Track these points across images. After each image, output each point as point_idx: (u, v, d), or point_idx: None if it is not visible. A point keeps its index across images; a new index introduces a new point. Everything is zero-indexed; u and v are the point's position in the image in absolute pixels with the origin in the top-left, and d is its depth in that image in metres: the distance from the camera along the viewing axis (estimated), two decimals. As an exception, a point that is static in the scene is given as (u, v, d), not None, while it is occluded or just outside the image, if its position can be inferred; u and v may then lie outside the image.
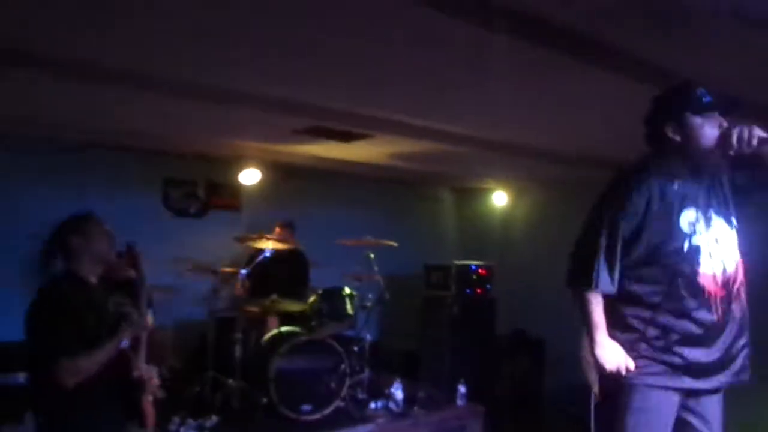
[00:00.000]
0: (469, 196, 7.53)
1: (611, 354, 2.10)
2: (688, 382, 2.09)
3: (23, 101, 3.68)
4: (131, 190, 5.30)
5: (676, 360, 2.08)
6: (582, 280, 2.13)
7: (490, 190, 7.10)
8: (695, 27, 2.25)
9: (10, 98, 3.57)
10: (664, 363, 2.08)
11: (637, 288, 2.12)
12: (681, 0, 2.07)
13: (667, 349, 2.08)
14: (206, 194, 5.79)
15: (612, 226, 2.09)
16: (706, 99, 2.05)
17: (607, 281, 2.10)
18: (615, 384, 2.12)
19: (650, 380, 2.08)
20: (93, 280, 2.35)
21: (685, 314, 2.08)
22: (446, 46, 2.57)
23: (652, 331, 2.10)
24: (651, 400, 2.11)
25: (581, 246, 2.20)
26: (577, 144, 4.56)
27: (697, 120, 2.05)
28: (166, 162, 5.52)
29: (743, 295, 2.16)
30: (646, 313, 2.11)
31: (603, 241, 2.09)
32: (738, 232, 2.20)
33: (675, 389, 2.10)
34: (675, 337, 2.08)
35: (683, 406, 2.16)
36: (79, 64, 2.95)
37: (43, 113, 4.04)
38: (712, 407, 2.20)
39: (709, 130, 2.04)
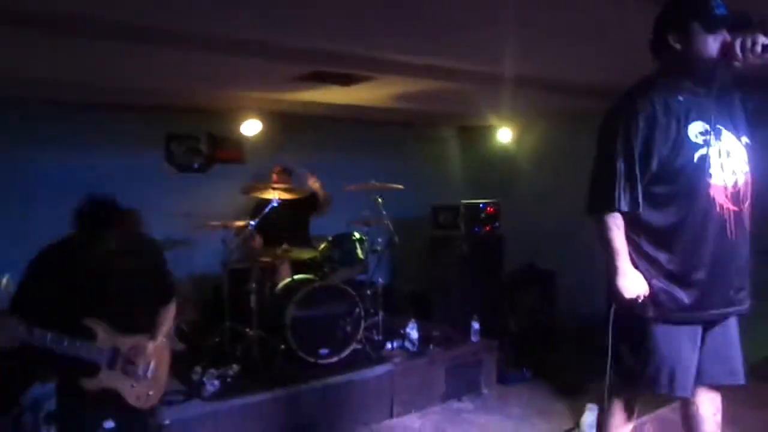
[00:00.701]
0: (474, 134, 7.44)
1: (631, 282, 2.10)
2: (703, 315, 2.13)
3: (23, 61, 3.61)
4: (134, 147, 5.26)
5: (691, 293, 2.10)
6: (603, 203, 2.12)
7: (494, 128, 7.01)
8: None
9: (11, 58, 3.49)
10: (677, 298, 2.10)
11: (652, 212, 2.11)
12: None
13: (682, 280, 2.10)
14: (209, 148, 5.75)
15: (626, 148, 2.07)
16: (719, 11, 1.98)
17: (628, 200, 2.08)
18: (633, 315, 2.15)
19: (667, 317, 2.11)
20: (107, 245, 2.37)
21: (698, 238, 2.07)
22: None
23: (664, 258, 2.11)
24: (671, 333, 2.14)
25: (598, 173, 2.18)
26: (582, 73, 4.45)
27: (702, 31, 2.00)
28: (167, 118, 5.45)
29: (748, 216, 2.15)
30: (661, 240, 2.12)
31: (620, 165, 2.07)
32: (749, 151, 2.17)
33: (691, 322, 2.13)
34: (687, 265, 2.09)
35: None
36: (76, 19, 2.88)
37: (44, 73, 3.95)
38: (730, 327, 2.25)
39: (713, 42, 2.00)
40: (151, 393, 2.51)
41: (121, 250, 2.40)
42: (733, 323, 2.25)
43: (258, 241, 4.94)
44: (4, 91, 4.40)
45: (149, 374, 2.50)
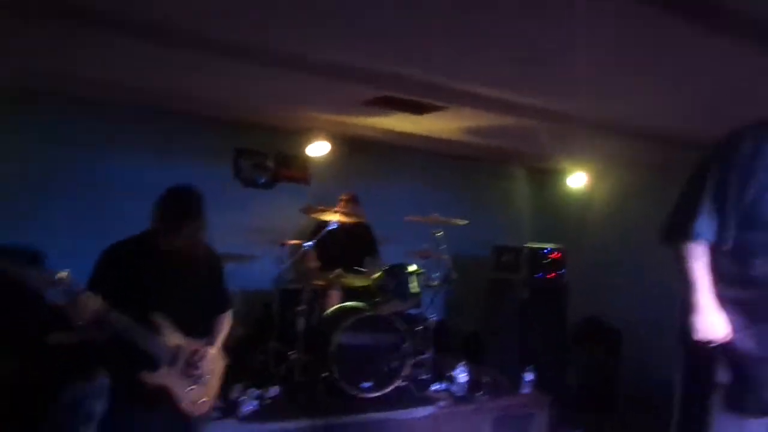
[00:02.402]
0: (545, 176, 7.19)
1: (705, 321, 1.88)
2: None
3: (99, 64, 3.72)
4: (204, 158, 5.36)
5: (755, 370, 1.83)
6: (680, 230, 1.94)
7: (566, 172, 6.75)
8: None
9: (88, 60, 3.62)
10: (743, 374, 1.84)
11: (737, 258, 1.89)
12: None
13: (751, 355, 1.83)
14: (276, 166, 5.80)
15: (719, 177, 1.89)
16: None
17: (709, 229, 1.88)
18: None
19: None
20: (171, 246, 2.35)
21: None
22: (533, 10, 2.35)
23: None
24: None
25: (682, 197, 2.00)
26: (665, 120, 4.19)
27: None
28: (236, 133, 5.54)
29: None
30: (744, 293, 1.88)
31: (708, 190, 1.89)
32: None
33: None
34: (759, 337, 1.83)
35: None
36: (154, 27, 2.94)
37: (120, 77, 4.08)
38: None
39: None
40: (204, 400, 2.46)
41: (189, 253, 2.40)
42: None
43: (314, 262, 4.88)
44: (85, 91, 4.57)
45: (206, 380, 2.46)
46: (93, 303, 2.12)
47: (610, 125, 4.39)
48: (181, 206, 2.34)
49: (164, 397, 2.32)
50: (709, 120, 3.68)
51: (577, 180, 6.65)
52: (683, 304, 1.96)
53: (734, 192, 1.87)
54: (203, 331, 2.54)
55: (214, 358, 2.53)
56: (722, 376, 1.88)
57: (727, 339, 1.86)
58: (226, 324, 2.66)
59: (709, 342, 1.87)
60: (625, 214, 6.03)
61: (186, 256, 2.38)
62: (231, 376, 3.87)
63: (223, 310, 2.67)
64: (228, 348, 4.48)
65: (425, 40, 2.93)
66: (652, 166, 5.47)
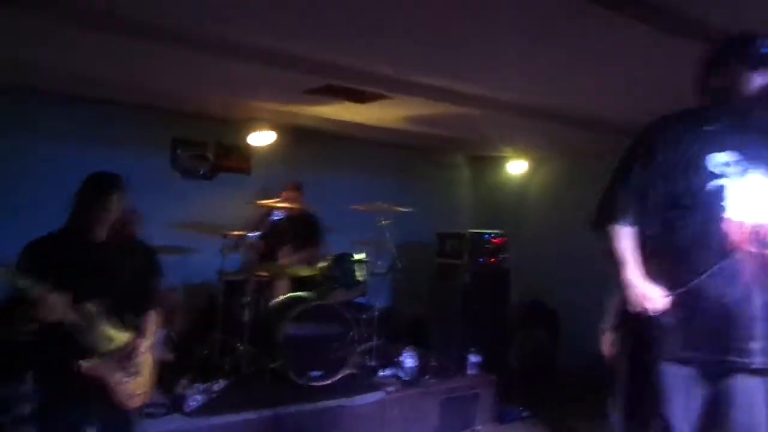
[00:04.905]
0: (486, 164, 7.35)
1: (638, 293, 2.02)
2: (700, 360, 1.99)
3: (36, 51, 3.54)
4: (140, 148, 5.18)
5: (689, 333, 1.97)
6: (609, 215, 2.09)
7: (506, 159, 6.92)
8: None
9: (17, 44, 3.43)
10: (677, 339, 1.98)
11: (665, 235, 2.03)
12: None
13: (686, 318, 1.97)
14: (216, 156, 5.67)
15: (642, 164, 2.05)
16: (764, 50, 1.97)
17: (634, 214, 2.05)
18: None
19: (664, 353, 2.01)
20: (97, 238, 2.33)
21: (703, 272, 1.95)
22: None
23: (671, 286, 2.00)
24: (669, 374, 2.01)
25: (610, 185, 2.14)
26: (599, 107, 4.36)
27: (745, 70, 1.98)
28: (175, 122, 5.39)
29: None
30: (668, 266, 2.02)
31: (633, 179, 2.05)
32: None
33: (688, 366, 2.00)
34: (691, 301, 1.96)
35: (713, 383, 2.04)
36: (95, 14, 2.82)
37: (59, 65, 3.88)
38: (745, 391, 2.05)
39: (757, 80, 1.97)
40: (139, 393, 2.42)
41: (116, 243, 2.36)
42: (751, 387, 2.04)
43: (259, 252, 4.82)
44: (11, 77, 4.33)
45: (140, 373, 2.42)
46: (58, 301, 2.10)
47: (547, 113, 4.53)
48: (102, 193, 2.30)
49: (99, 389, 2.28)
50: (638, 108, 3.87)
51: (517, 167, 6.83)
52: (613, 286, 2.10)
53: (655, 179, 2.02)
54: (131, 325, 2.48)
55: (147, 351, 2.49)
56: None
57: (661, 306, 1.98)
58: (152, 321, 2.60)
59: (645, 311, 1.99)
60: (562, 200, 6.24)
61: (113, 246, 2.35)
62: (176, 371, 3.84)
63: (147, 308, 2.59)
64: (172, 342, 4.43)
65: (366, 29, 2.93)
66: (588, 153, 5.66)
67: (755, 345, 1.98)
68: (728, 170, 1.98)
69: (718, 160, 1.99)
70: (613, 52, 3.02)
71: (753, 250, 1.97)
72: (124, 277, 2.41)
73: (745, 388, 2.00)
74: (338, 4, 2.59)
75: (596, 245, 2.19)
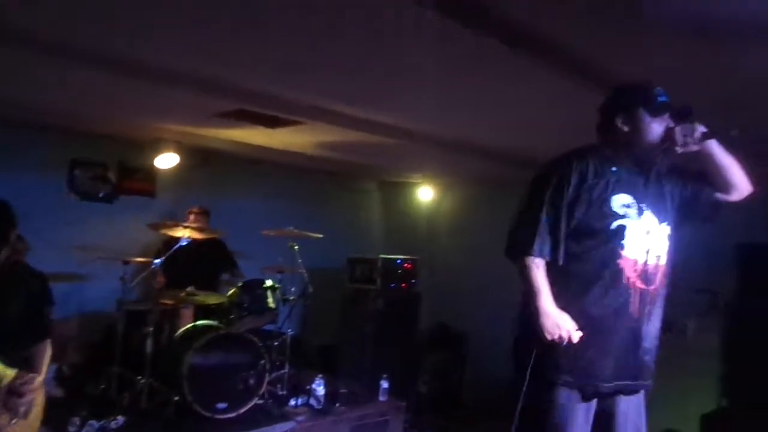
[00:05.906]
0: (396, 190, 7.48)
1: (552, 322, 2.08)
2: (595, 385, 2.12)
3: None
4: (33, 170, 4.83)
5: (587, 360, 2.10)
6: (523, 248, 2.15)
7: (416, 185, 7.08)
8: (648, 33, 2.25)
9: None
10: (576, 366, 2.10)
11: (571, 266, 2.14)
12: (637, 5, 2.06)
13: (581, 349, 2.10)
14: (117, 177, 5.39)
15: (553, 199, 2.14)
16: (662, 99, 2.14)
17: (548, 250, 2.13)
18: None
19: (563, 380, 2.11)
20: None
21: (599, 303, 2.11)
22: (379, 30, 2.46)
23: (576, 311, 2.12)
24: (567, 399, 2.12)
25: (522, 218, 2.22)
26: (505, 141, 4.58)
27: (647, 117, 2.13)
28: (73, 142, 5.06)
29: (659, 299, 2.21)
30: (569, 297, 2.13)
31: (545, 214, 2.14)
32: (670, 239, 2.25)
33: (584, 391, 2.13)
34: (588, 328, 2.10)
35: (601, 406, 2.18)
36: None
37: None
38: (630, 409, 2.22)
39: (656, 127, 2.13)
40: None
41: (2, 273, 2.21)
42: (630, 406, 2.22)
43: (161, 280, 4.60)
44: None
45: (29, 412, 2.23)
46: None
47: (456, 144, 4.69)
48: None
49: None
50: (539, 140, 4.11)
51: (427, 193, 7.00)
52: (522, 314, 2.17)
53: (563, 214, 2.13)
54: (19, 361, 2.29)
55: (40, 388, 2.30)
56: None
57: (573, 336, 2.08)
58: (43, 354, 2.42)
59: (560, 339, 2.07)
60: (469, 225, 6.45)
61: None
62: (69, 408, 3.58)
63: (36, 340, 2.42)
64: (64, 377, 4.12)
65: (282, 57, 2.93)
66: (494, 182, 5.90)
67: (642, 370, 2.19)
68: (628, 211, 2.14)
69: (621, 201, 2.14)
70: (518, 92, 3.19)
71: (642, 286, 2.15)
72: (11, 308, 2.25)
73: (628, 407, 2.21)
74: (253, 32, 2.58)
75: (501, 268, 2.28)
